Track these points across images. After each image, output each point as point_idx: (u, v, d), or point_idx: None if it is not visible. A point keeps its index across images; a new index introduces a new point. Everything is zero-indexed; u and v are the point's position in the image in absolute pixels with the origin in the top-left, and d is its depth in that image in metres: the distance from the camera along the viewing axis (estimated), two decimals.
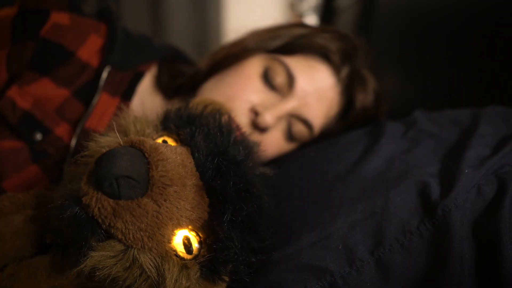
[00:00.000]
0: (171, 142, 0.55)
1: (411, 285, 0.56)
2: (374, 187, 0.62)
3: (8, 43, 0.72)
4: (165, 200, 0.47)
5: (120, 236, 0.46)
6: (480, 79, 1.06)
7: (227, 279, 0.52)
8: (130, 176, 0.45)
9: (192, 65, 0.90)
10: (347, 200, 0.62)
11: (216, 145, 0.53)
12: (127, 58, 0.80)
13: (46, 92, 0.74)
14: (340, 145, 0.75)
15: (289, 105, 0.78)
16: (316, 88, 0.80)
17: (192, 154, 0.52)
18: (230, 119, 0.63)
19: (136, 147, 0.48)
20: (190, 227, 0.49)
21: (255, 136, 0.76)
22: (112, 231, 0.46)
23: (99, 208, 0.45)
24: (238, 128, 0.63)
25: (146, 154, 0.47)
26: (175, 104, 0.81)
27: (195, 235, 0.50)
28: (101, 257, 0.46)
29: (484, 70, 1.04)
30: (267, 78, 0.79)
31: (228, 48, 0.85)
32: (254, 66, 0.80)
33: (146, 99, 0.83)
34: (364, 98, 0.84)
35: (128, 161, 0.45)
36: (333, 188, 0.65)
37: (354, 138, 0.76)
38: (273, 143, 0.80)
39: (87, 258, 0.46)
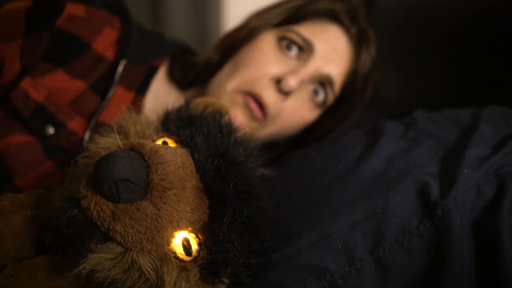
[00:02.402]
0: (171, 143, 0.55)
1: (410, 285, 0.56)
2: (374, 187, 0.62)
3: (22, 34, 0.71)
4: (164, 203, 0.47)
5: (119, 239, 0.46)
6: (480, 79, 1.06)
7: (226, 281, 0.52)
8: (129, 180, 0.44)
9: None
10: (347, 200, 0.62)
11: (216, 146, 0.53)
12: (142, 52, 0.80)
13: (60, 84, 0.73)
14: (340, 145, 0.75)
15: (311, 68, 0.79)
16: (333, 47, 0.81)
17: (192, 156, 0.51)
18: (230, 120, 0.63)
19: (135, 150, 0.47)
20: (189, 228, 0.49)
21: (280, 105, 0.78)
22: (111, 234, 0.46)
23: (98, 211, 0.45)
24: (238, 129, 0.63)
25: (145, 157, 0.47)
26: (190, 96, 0.82)
27: (195, 236, 0.50)
28: (100, 259, 0.46)
29: (484, 70, 1.04)
30: (281, 48, 0.80)
31: (234, 33, 0.86)
32: (265, 41, 0.81)
33: (161, 93, 0.83)
34: (366, 58, 0.84)
35: (127, 164, 0.45)
36: (333, 188, 0.65)
37: (354, 138, 0.76)
38: (297, 110, 0.81)
39: (86, 260, 0.46)
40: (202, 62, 0.84)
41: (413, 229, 0.56)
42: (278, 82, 0.78)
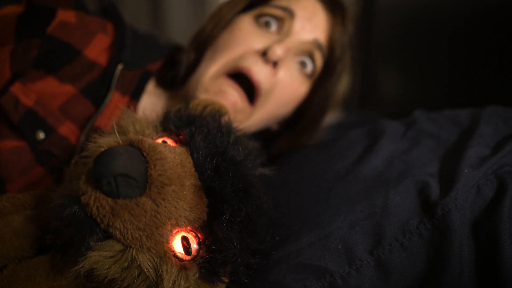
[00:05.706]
0: (171, 143, 0.55)
1: (410, 285, 0.55)
2: (374, 186, 0.62)
3: (12, 40, 0.71)
4: (163, 200, 0.47)
5: (118, 236, 0.46)
6: (480, 79, 1.06)
7: (226, 280, 0.52)
8: (128, 175, 0.45)
9: None
10: (347, 200, 0.62)
11: (215, 146, 0.53)
12: (136, 57, 0.80)
13: (50, 89, 0.72)
14: (340, 145, 0.75)
15: (296, 36, 0.78)
16: (312, 13, 0.81)
17: (191, 155, 0.52)
18: (229, 119, 0.63)
19: (134, 146, 0.48)
20: (188, 227, 0.49)
21: (272, 79, 0.76)
22: (111, 231, 0.46)
23: (97, 207, 0.45)
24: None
25: (144, 153, 0.47)
26: (177, 96, 0.81)
27: (194, 235, 0.50)
28: (100, 257, 0.46)
29: (484, 70, 1.04)
30: (260, 25, 0.79)
31: (206, 26, 0.84)
32: (242, 21, 0.80)
33: (155, 96, 0.83)
34: (342, 24, 0.84)
35: (126, 159, 0.45)
36: (333, 187, 0.65)
37: (354, 138, 0.76)
38: (290, 83, 0.79)
39: (85, 258, 0.46)
40: (183, 59, 0.83)
41: (413, 229, 0.56)
42: (264, 54, 0.76)
